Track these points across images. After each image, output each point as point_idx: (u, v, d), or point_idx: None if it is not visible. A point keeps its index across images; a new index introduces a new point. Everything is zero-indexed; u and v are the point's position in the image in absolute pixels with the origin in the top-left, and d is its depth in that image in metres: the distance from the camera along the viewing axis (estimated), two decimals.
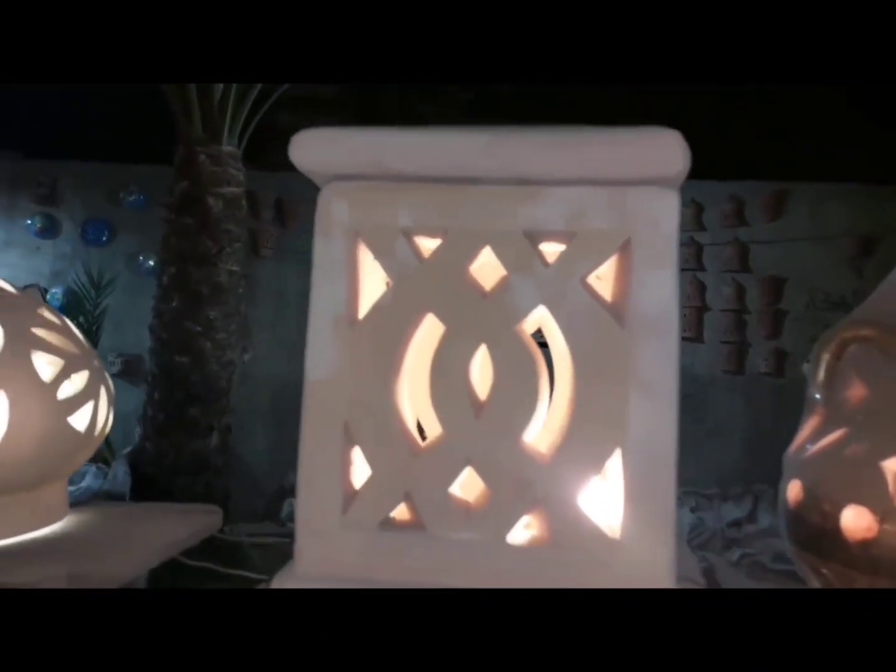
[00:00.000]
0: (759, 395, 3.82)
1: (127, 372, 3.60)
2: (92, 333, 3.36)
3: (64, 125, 3.49)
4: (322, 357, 0.58)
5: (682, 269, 3.48)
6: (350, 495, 0.58)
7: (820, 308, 3.93)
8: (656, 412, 0.56)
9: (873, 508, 0.66)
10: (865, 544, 0.66)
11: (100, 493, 2.82)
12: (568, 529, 0.56)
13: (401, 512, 0.58)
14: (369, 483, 0.58)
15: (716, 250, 4.07)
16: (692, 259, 4.14)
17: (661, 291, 0.56)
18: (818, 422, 0.79)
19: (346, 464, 0.58)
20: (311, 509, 0.57)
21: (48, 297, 3.45)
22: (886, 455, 0.68)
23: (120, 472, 3.01)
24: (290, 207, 3.82)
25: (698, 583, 0.76)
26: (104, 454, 3.30)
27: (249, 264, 3.50)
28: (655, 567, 0.55)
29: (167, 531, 0.76)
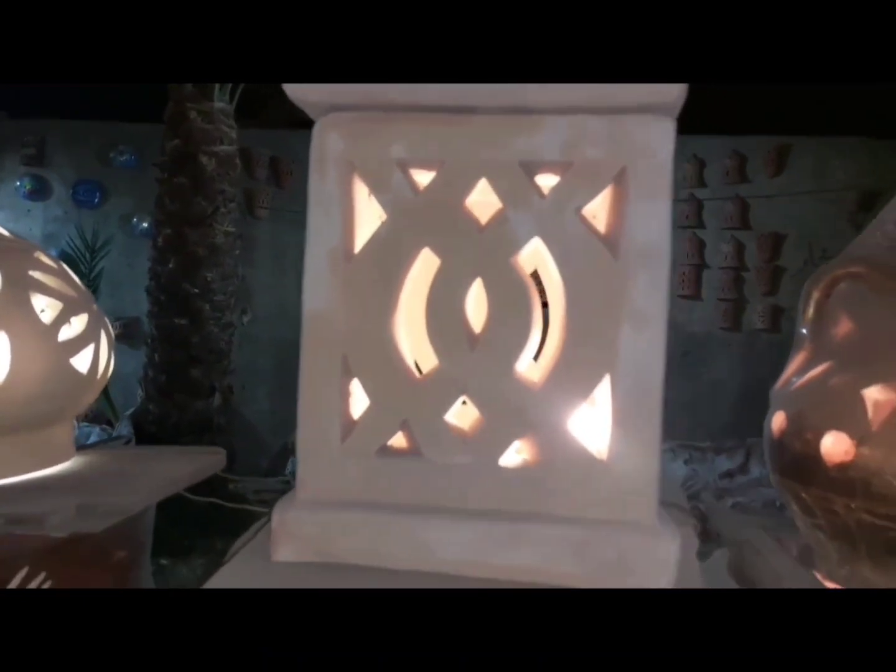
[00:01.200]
0: (755, 351, 3.86)
1: (126, 335, 3.61)
2: None
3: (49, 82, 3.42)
4: (319, 291, 0.58)
5: (682, 227, 3.50)
6: (349, 424, 0.59)
7: (818, 264, 3.92)
8: (646, 340, 0.57)
9: (851, 433, 0.68)
10: (843, 467, 0.69)
11: None
12: (558, 452, 0.58)
13: (398, 439, 0.60)
14: (367, 412, 0.59)
15: (716, 207, 4.05)
16: (692, 216, 4.13)
17: (655, 222, 0.57)
18: (805, 357, 0.81)
19: (344, 394, 0.59)
20: (311, 438, 0.59)
21: None
22: (867, 383, 0.70)
23: (124, 433, 3.05)
24: (285, 166, 3.77)
25: (682, 507, 0.78)
26: (108, 415, 3.34)
27: (245, 224, 3.49)
28: (640, 486, 0.57)
29: (172, 468, 0.78)
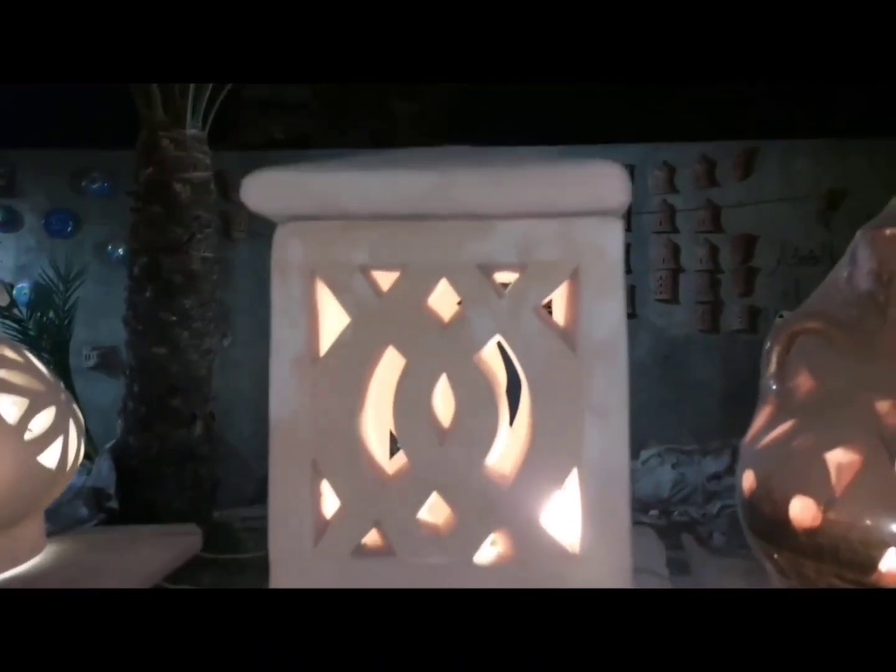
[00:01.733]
0: (734, 351, 3.91)
1: (104, 364, 3.58)
2: (63, 328, 3.32)
3: (19, 110, 3.37)
4: (286, 396, 0.59)
5: (657, 233, 3.54)
6: (321, 526, 0.60)
7: (790, 263, 4.01)
8: (609, 433, 0.58)
9: (817, 498, 0.70)
10: (811, 533, 0.70)
11: (84, 490, 2.83)
12: (530, 547, 0.59)
13: (372, 539, 0.61)
14: (339, 514, 0.60)
15: (688, 212, 4.11)
16: (666, 222, 4.19)
17: (610, 318, 0.58)
18: (770, 412, 0.83)
19: (315, 497, 0.60)
20: (283, 541, 0.59)
21: (14, 292, 3.39)
22: (829, 447, 0.72)
23: (104, 468, 3.02)
24: None
25: (662, 575, 0.80)
26: (87, 450, 3.31)
27: (223, 248, 3.46)
28: (612, 578, 0.59)
29: (148, 558, 0.78)
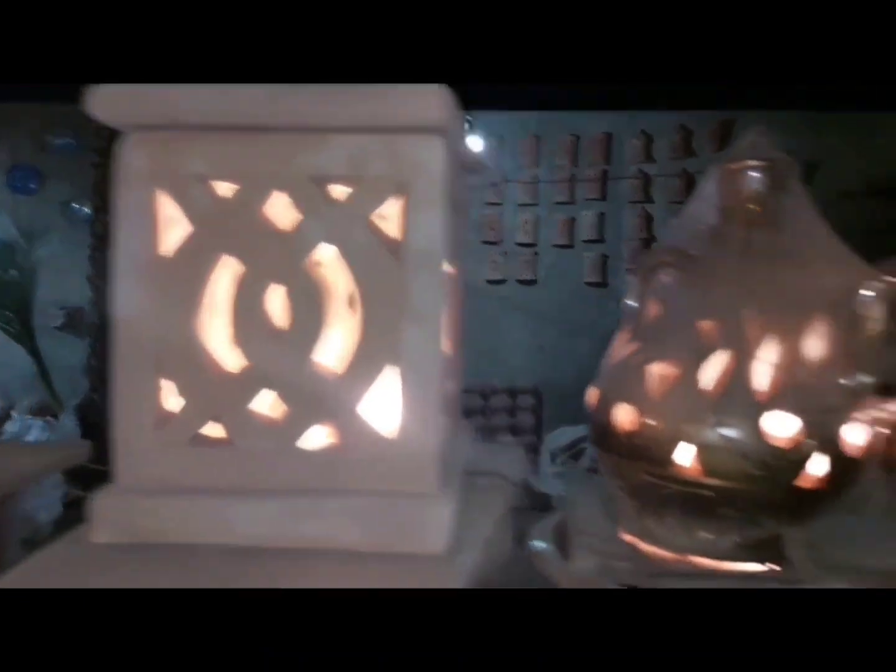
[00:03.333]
0: None
1: (70, 324, 3.60)
2: (27, 286, 3.33)
3: None
4: (128, 298, 0.64)
5: (632, 202, 3.60)
6: (163, 418, 0.66)
7: None
8: (425, 335, 0.64)
9: (638, 405, 0.77)
10: (630, 436, 0.77)
11: None
12: (352, 435, 0.65)
13: (210, 430, 0.66)
14: (179, 408, 0.66)
15: (664, 182, 4.15)
16: (640, 191, 4.23)
17: (430, 230, 0.64)
18: (623, 337, 0.89)
19: (156, 392, 0.65)
20: (126, 431, 0.65)
21: None
22: (653, 361, 0.78)
23: (68, 425, 3.06)
24: None
25: (506, 476, 0.86)
26: (52, 407, 3.34)
27: None
28: (424, 462, 0.65)
29: (28, 462, 0.83)
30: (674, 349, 0.79)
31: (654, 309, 0.86)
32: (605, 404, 0.82)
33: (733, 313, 0.78)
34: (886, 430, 0.74)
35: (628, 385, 0.81)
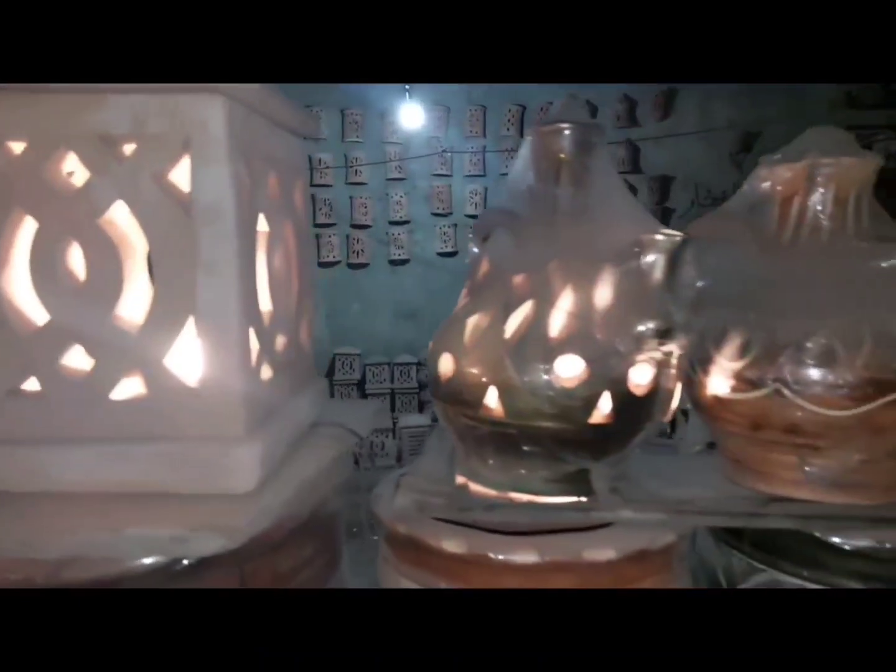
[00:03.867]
0: None
1: None
2: None
3: None
4: None
5: None
6: None
7: (704, 204, 4.15)
8: (219, 286, 0.68)
9: (454, 353, 0.82)
10: (448, 382, 0.82)
11: None
12: (157, 384, 0.69)
13: (26, 384, 0.70)
14: None
15: (609, 151, 4.19)
16: None
17: (216, 185, 0.67)
18: (463, 295, 0.93)
19: None
20: None
21: None
22: (472, 313, 0.83)
23: None
24: None
25: (350, 428, 0.91)
26: None
27: None
28: (228, 407, 0.69)
29: None
30: (491, 302, 0.84)
31: (484, 266, 0.91)
32: (433, 356, 0.87)
33: (541, 267, 0.82)
34: (674, 370, 0.80)
35: (451, 336, 0.85)
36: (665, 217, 4.26)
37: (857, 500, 0.76)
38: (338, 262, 4.02)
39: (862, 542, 0.71)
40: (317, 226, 3.97)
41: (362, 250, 4.02)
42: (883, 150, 3.53)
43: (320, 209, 3.95)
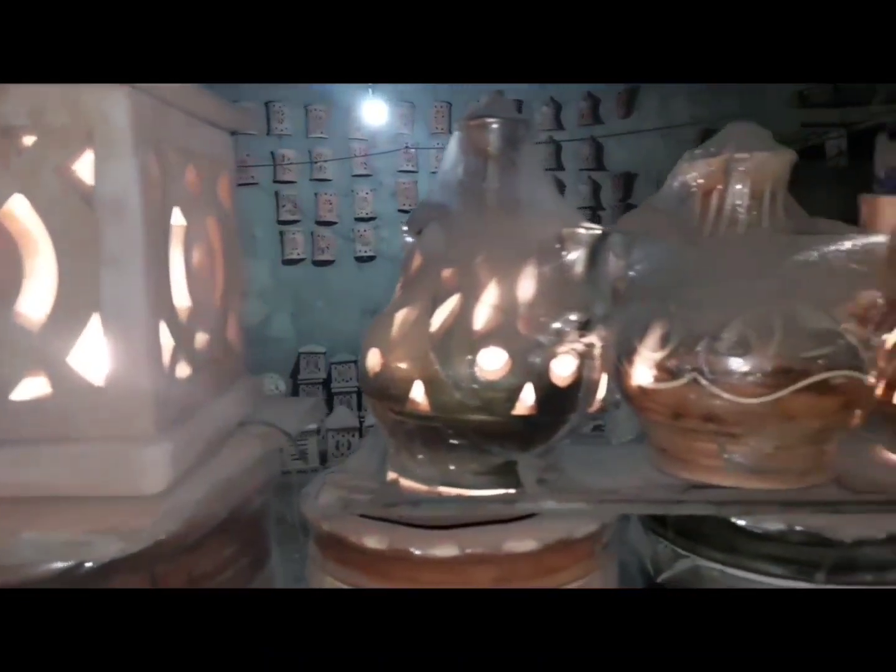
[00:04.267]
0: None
1: None
2: None
3: None
4: None
5: (544, 170, 3.64)
6: None
7: None
8: (123, 283, 0.66)
9: (382, 348, 0.82)
10: (376, 377, 0.82)
11: None
12: (62, 383, 0.68)
13: None
14: None
15: (573, 149, 4.23)
16: (551, 158, 4.30)
17: (121, 178, 0.65)
18: (397, 290, 0.93)
19: None
20: None
21: None
22: (401, 307, 0.83)
23: None
24: None
25: (280, 427, 0.90)
26: None
27: None
28: (135, 407, 0.68)
29: None
30: (420, 296, 0.84)
31: (417, 261, 0.90)
32: (364, 351, 0.87)
33: (469, 261, 0.82)
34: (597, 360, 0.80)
35: (380, 331, 0.85)
36: None
37: (774, 485, 0.77)
38: (302, 260, 3.99)
39: (774, 526, 0.72)
40: (280, 223, 3.93)
41: (328, 247, 3.99)
42: (835, 147, 3.61)
43: (284, 206, 3.91)
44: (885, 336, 0.70)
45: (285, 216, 3.92)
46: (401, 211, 4.08)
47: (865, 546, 0.67)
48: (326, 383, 3.91)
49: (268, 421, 0.88)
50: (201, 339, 0.82)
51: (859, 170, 3.49)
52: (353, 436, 3.53)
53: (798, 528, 0.70)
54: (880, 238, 0.69)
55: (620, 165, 4.30)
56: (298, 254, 3.94)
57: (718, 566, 0.76)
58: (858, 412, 0.74)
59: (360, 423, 3.60)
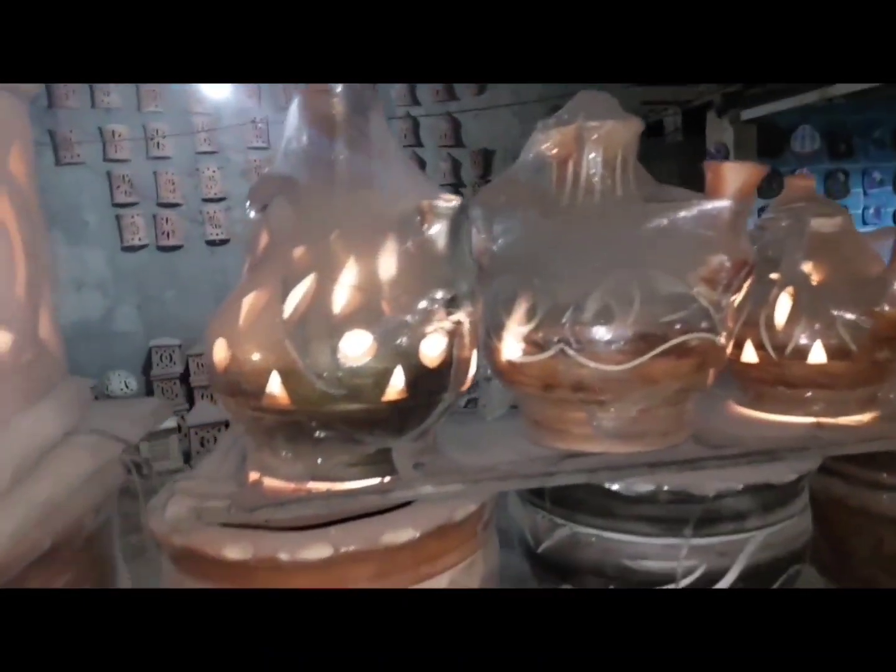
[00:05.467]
0: None
1: None
2: None
3: None
4: None
5: (404, 146, 3.60)
6: None
7: None
8: None
9: (228, 339, 0.73)
10: (225, 371, 0.74)
11: None
12: None
13: None
14: None
15: (431, 125, 4.21)
16: (410, 135, 4.25)
17: None
18: (243, 273, 0.84)
19: None
20: None
21: None
22: (248, 292, 0.75)
23: None
24: None
25: (117, 436, 0.79)
26: None
27: None
28: None
29: None
30: (269, 278, 0.76)
31: (264, 239, 0.82)
32: (209, 342, 0.78)
33: (322, 238, 0.76)
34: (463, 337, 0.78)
35: (226, 319, 0.76)
36: None
37: (640, 447, 0.80)
38: (145, 246, 3.64)
39: (643, 488, 0.74)
40: (116, 205, 3.55)
41: (173, 231, 3.67)
42: (672, 123, 3.91)
43: (118, 187, 3.53)
44: (732, 297, 0.74)
45: (121, 198, 3.55)
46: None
47: (727, 498, 0.71)
48: (185, 377, 3.63)
49: (98, 429, 0.77)
50: (2, 339, 0.69)
51: (694, 144, 3.81)
52: (220, 430, 3.31)
53: (666, 487, 0.72)
54: (725, 202, 0.72)
55: (478, 142, 4.36)
56: (140, 239, 3.59)
57: (595, 531, 0.77)
58: (712, 371, 0.78)
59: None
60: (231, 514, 0.71)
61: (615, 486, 0.76)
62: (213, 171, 3.73)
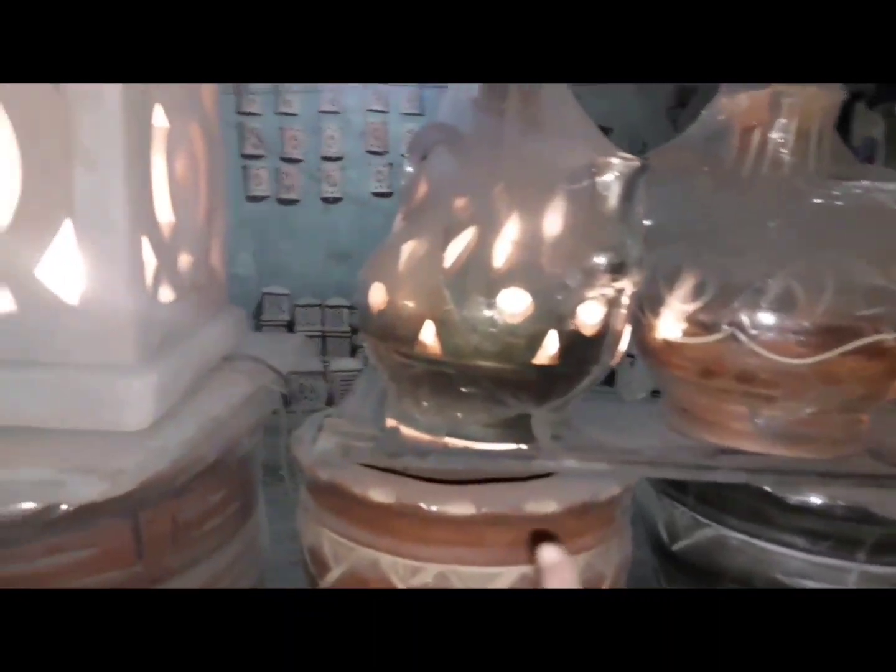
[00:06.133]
0: None
1: None
2: None
3: None
4: None
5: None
6: None
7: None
8: (99, 181, 0.56)
9: (387, 284, 0.73)
10: (380, 315, 0.74)
11: None
12: (29, 301, 0.57)
13: None
14: None
15: None
16: None
17: None
18: (398, 220, 0.84)
19: None
20: None
21: None
22: (407, 239, 0.74)
23: None
24: None
25: (271, 365, 0.81)
26: None
27: None
28: (116, 328, 0.58)
29: None
30: (429, 227, 0.75)
31: (422, 188, 0.81)
32: (363, 285, 0.78)
33: (486, 190, 0.74)
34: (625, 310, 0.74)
35: (384, 265, 0.76)
36: None
37: (805, 453, 0.73)
38: (266, 197, 3.79)
39: (814, 499, 0.68)
40: (244, 156, 3.71)
41: (292, 185, 3.80)
42: None
43: (247, 138, 3.68)
44: None
45: (248, 150, 3.70)
46: (369, 152, 3.91)
47: None
48: (290, 326, 3.78)
49: (257, 356, 0.79)
50: (185, 260, 0.72)
51: None
52: (318, 379, 3.43)
53: (840, 502, 0.66)
54: None
55: (595, 119, 4.19)
56: (262, 190, 3.74)
57: (746, 537, 0.72)
58: None
59: (325, 367, 3.50)
60: (375, 456, 0.72)
61: (772, 491, 0.71)
62: (334, 131, 3.81)
